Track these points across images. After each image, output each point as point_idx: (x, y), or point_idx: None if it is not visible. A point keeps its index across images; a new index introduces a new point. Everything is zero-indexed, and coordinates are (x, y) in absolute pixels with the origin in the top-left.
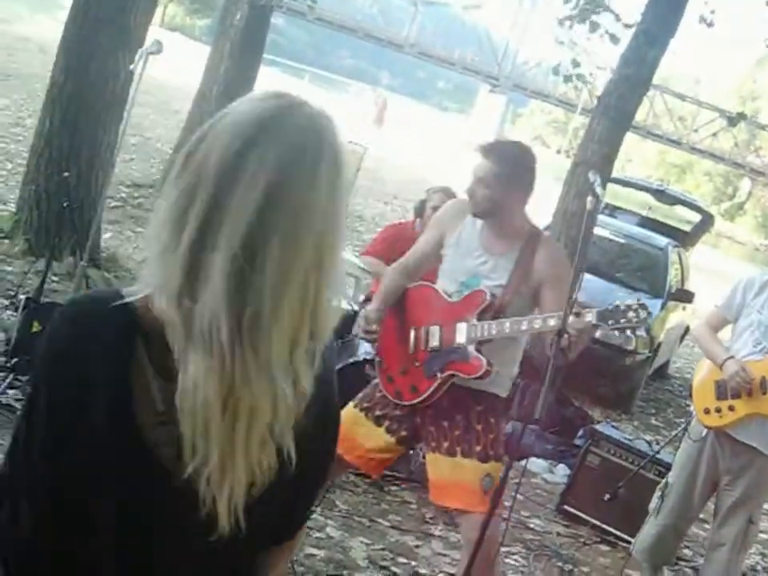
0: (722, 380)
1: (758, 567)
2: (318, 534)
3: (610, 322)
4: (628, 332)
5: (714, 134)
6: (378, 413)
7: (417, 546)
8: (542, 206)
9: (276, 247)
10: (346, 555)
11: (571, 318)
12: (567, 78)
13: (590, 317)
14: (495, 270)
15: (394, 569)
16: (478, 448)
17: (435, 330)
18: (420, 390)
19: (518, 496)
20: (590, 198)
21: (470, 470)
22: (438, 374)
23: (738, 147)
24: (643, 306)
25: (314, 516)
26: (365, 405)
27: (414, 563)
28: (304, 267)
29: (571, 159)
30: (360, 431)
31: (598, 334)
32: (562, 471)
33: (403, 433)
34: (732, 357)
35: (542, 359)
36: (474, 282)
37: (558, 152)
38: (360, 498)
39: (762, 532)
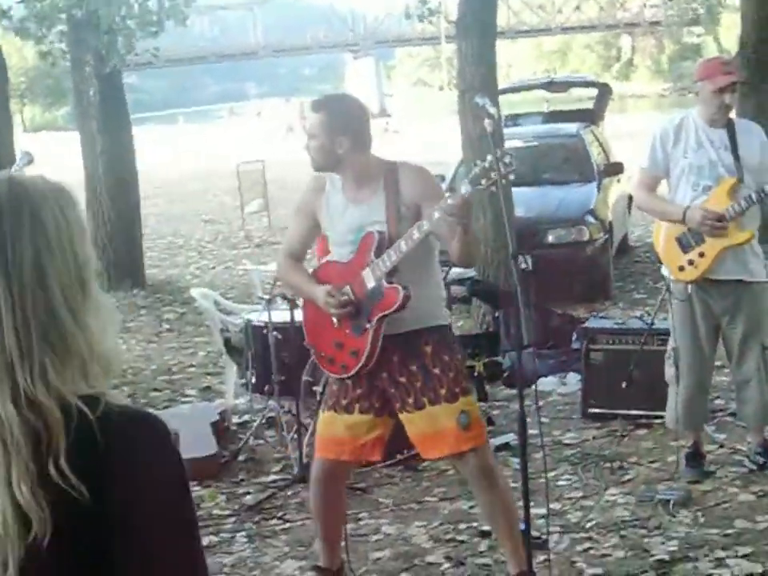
0: (681, 234)
1: None
2: (375, 537)
3: (483, 182)
4: (578, 226)
5: (577, 7)
6: (344, 402)
7: (471, 507)
8: (452, 144)
9: None
10: (409, 545)
11: (449, 200)
12: (420, 17)
13: (463, 188)
14: (371, 213)
15: (459, 537)
16: (443, 391)
17: (347, 290)
18: (360, 350)
19: (543, 419)
20: (486, 121)
21: (443, 415)
22: (367, 325)
23: (605, 10)
24: (504, 152)
25: (365, 521)
26: (329, 403)
27: (474, 524)
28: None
29: (455, 90)
30: (339, 429)
31: (550, 238)
32: (572, 379)
33: (376, 404)
34: (689, 206)
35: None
36: (360, 234)
37: (441, 88)
38: (400, 487)
39: None
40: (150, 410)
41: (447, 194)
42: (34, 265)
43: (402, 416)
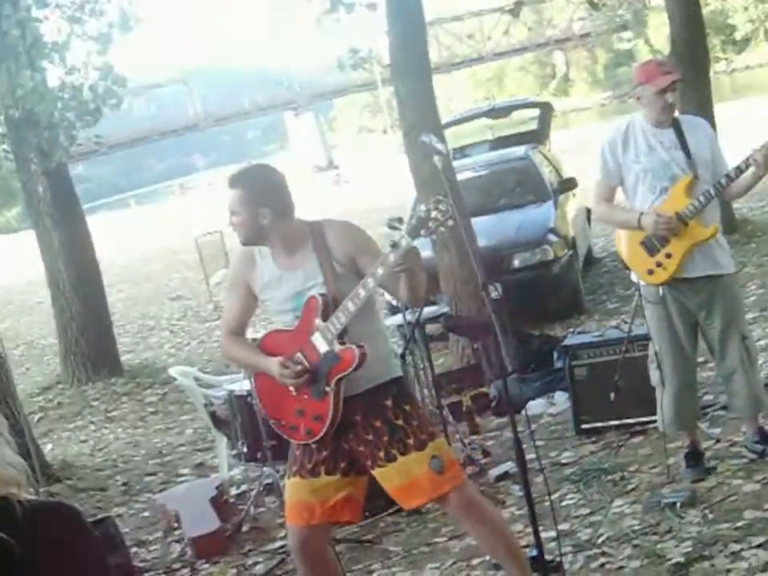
0: (645, 238)
1: None
2: None
3: (423, 232)
4: (542, 246)
5: (506, 32)
6: (309, 466)
7: (475, 541)
8: (406, 184)
9: None
10: None
11: (391, 256)
12: (354, 66)
13: (404, 241)
14: (307, 278)
15: (474, 573)
16: (411, 441)
17: (299, 358)
18: (323, 414)
19: (538, 443)
20: (435, 157)
21: (414, 463)
22: (326, 389)
23: (533, 30)
24: (438, 200)
25: (378, 572)
26: (294, 469)
27: (487, 557)
28: None
29: (399, 132)
30: (306, 493)
31: (516, 263)
32: (560, 398)
33: (342, 464)
34: (642, 213)
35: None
36: (300, 301)
37: (385, 131)
38: (407, 533)
39: (758, 340)
40: (147, 495)
41: (389, 249)
42: None
43: (376, 472)
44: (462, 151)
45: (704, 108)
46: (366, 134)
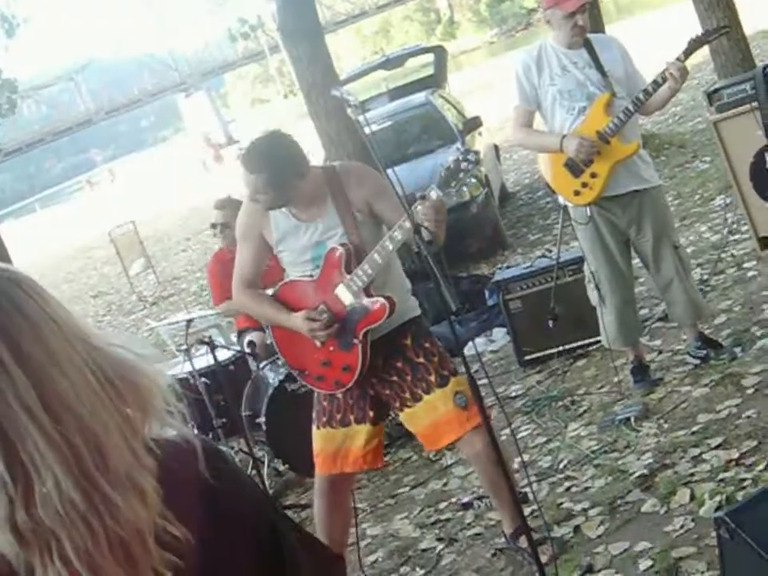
0: (568, 159)
1: (704, 278)
2: (364, 543)
3: (453, 184)
4: (457, 188)
5: None
6: (338, 416)
7: (444, 485)
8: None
9: None
10: (398, 539)
11: (419, 207)
12: (244, 35)
13: (433, 194)
14: (327, 228)
15: (443, 517)
16: (432, 377)
17: (323, 310)
18: (352, 364)
19: (483, 380)
20: (349, 110)
21: (439, 401)
22: (354, 340)
23: None
24: (466, 151)
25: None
26: (323, 420)
27: (453, 499)
28: None
29: (299, 95)
30: (339, 443)
31: None
32: (498, 334)
33: (371, 412)
34: (564, 136)
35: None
36: (321, 250)
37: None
38: (370, 488)
39: (687, 246)
40: None
41: (417, 202)
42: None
43: (403, 414)
44: (362, 106)
45: (596, 29)
46: (260, 105)
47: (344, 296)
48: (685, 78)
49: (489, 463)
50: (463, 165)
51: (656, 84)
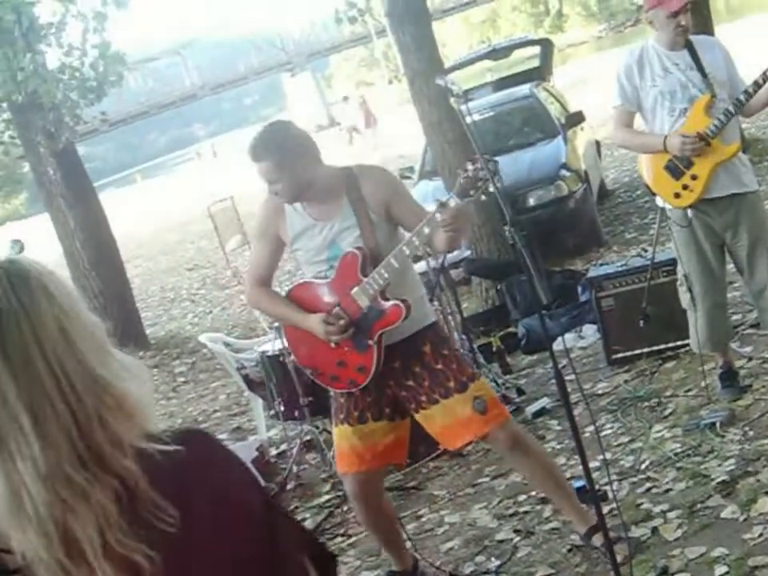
0: (668, 162)
1: None
2: (441, 529)
3: (472, 192)
4: (555, 183)
5: None
6: (356, 414)
7: (524, 477)
8: (415, 134)
9: None
10: (476, 528)
11: (438, 216)
12: (351, 19)
13: (452, 202)
14: (343, 228)
15: (522, 509)
16: (451, 384)
17: (339, 314)
18: (367, 365)
19: (571, 376)
20: (452, 99)
21: (458, 405)
22: (369, 342)
23: None
24: (479, 158)
25: (426, 516)
26: (341, 417)
27: (533, 493)
28: None
29: (403, 81)
30: (356, 441)
31: (531, 201)
32: (589, 331)
33: (387, 410)
34: (666, 135)
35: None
36: (336, 251)
37: (390, 81)
38: (451, 476)
39: None
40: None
41: (436, 209)
42: (60, 330)
43: (419, 415)
44: (465, 96)
45: (705, 30)
46: (364, 89)
47: (360, 299)
48: None
49: (517, 457)
50: (481, 173)
51: (756, 85)
